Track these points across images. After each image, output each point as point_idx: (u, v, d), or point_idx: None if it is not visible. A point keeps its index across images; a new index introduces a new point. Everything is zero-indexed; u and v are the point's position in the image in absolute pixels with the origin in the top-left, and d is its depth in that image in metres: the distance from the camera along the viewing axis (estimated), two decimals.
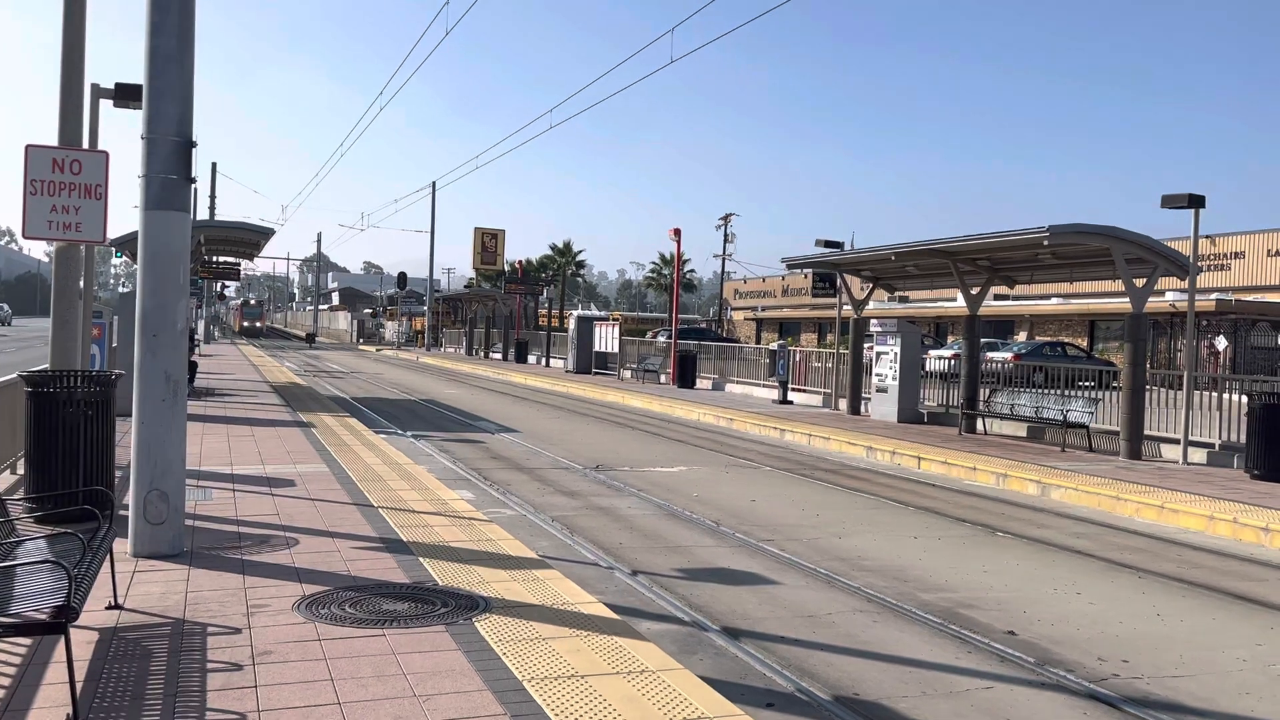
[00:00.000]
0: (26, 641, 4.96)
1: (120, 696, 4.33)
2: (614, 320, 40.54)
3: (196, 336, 40.83)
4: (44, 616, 4.07)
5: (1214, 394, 15.30)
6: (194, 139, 6.93)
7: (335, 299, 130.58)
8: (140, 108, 6.95)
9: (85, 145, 10.54)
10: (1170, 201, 14.65)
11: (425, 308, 67.86)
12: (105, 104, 11.94)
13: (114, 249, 23.94)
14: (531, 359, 45.10)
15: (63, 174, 8.69)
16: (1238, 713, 5.29)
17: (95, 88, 11.66)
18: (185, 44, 6.85)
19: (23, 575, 4.60)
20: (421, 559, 6.91)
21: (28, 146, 8.61)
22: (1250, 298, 36.43)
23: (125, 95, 11.36)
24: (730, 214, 71.48)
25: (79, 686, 4.35)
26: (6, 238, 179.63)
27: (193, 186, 7.12)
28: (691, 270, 79.63)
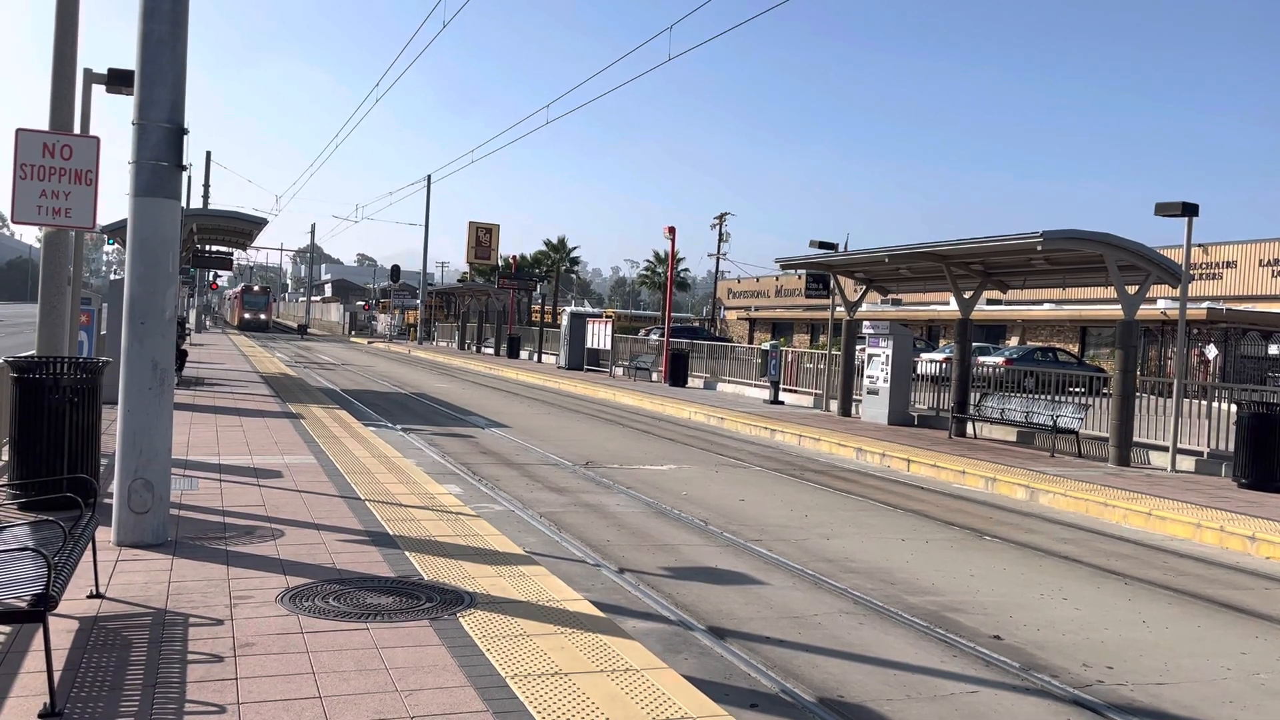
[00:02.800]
0: (5, 629, 4.92)
1: (99, 687, 4.29)
2: (607, 317, 40.48)
3: (187, 325, 40.67)
4: (22, 604, 4.03)
5: (1203, 402, 15.33)
6: (186, 126, 6.88)
7: (328, 290, 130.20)
8: (133, 94, 6.90)
9: (77, 130, 10.48)
10: (1164, 209, 14.68)
11: (418, 301, 67.73)
12: (98, 90, 11.87)
13: (106, 236, 23.81)
14: (524, 354, 45.02)
15: (53, 159, 8.63)
16: None
17: (88, 73, 11.59)
18: (178, 29, 6.79)
19: (2, 562, 4.55)
20: (407, 553, 6.87)
21: (18, 130, 8.55)
22: (1241, 307, 36.54)
23: (118, 81, 11.29)
24: (725, 213, 71.51)
25: (57, 676, 4.30)
26: None
27: (184, 174, 7.07)
28: (685, 269, 79.67)
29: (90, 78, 11.61)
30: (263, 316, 78.76)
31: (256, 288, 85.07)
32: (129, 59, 6.96)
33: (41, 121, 10.13)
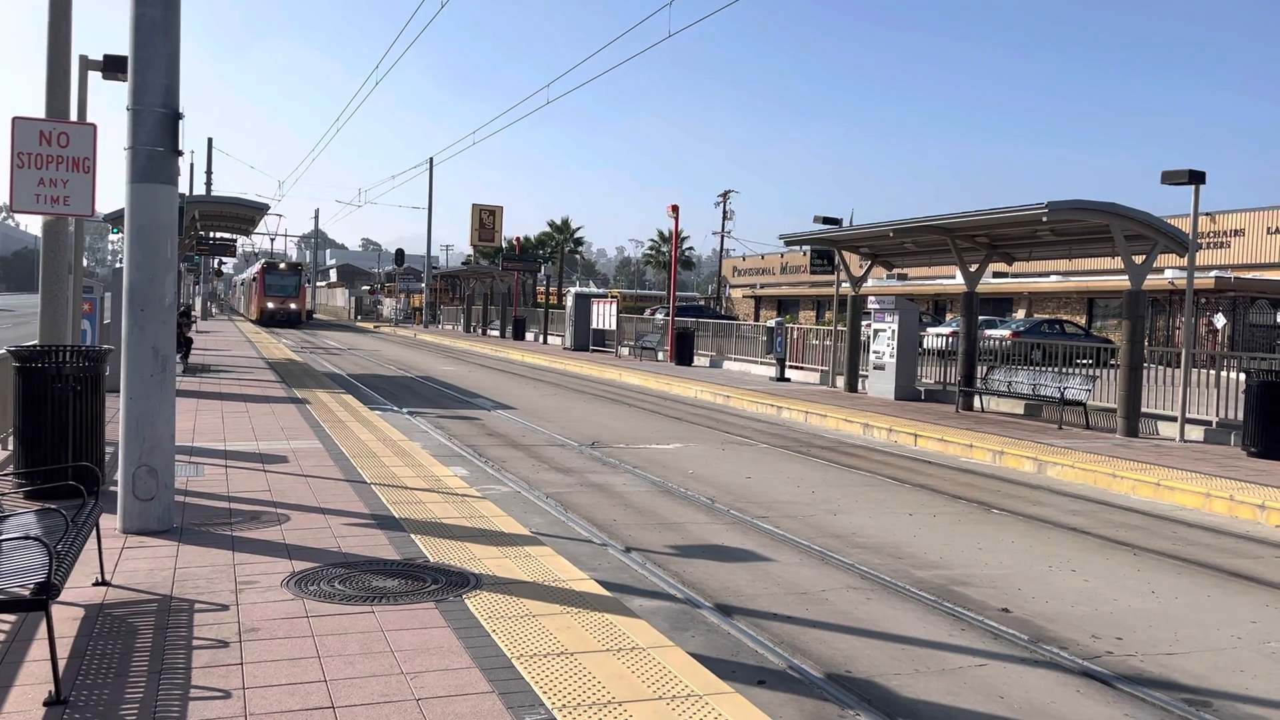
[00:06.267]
0: (11, 618, 4.92)
1: (104, 674, 4.29)
2: (612, 297, 40.41)
3: (194, 313, 40.67)
4: (25, 593, 4.02)
5: (1212, 371, 15.25)
6: (181, 110, 6.82)
7: (333, 276, 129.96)
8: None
9: (74, 117, 10.43)
10: (1170, 177, 14.54)
11: (423, 285, 67.62)
12: (95, 76, 11.81)
13: (110, 225, 23.81)
14: (529, 336, 45.01)
15: (50, 147, 8.59)
16: (1232, 690, 5.27)
17: (84, 59, 11.53)
18: (171, 13, 6.73)
19: (6, 551, 4.54)
20: (413, 535, 6.86)
21: (14, 119, 8.50)
22: (1249, 275, 36.36)
23: (114, 67, 11.21)
24: (729, 191, 71.32)
25: (63, 663, 4.31)
26: (2, 213, 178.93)
27: (180, 159, 7.02)
28: (690, 248, 79.49)
29: (86, 64, 11.54)
30: (293, 306, 56.77)
31: (283, 265, 60.26)
32: (125, 44, 6.91)
33: (38, 109, 10.08)
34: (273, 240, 67.48)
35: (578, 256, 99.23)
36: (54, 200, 8.64)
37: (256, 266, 61.85)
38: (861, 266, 22.56)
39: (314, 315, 79.84)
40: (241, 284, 78.26)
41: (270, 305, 55.63)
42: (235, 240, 44.13)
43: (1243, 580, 7.56)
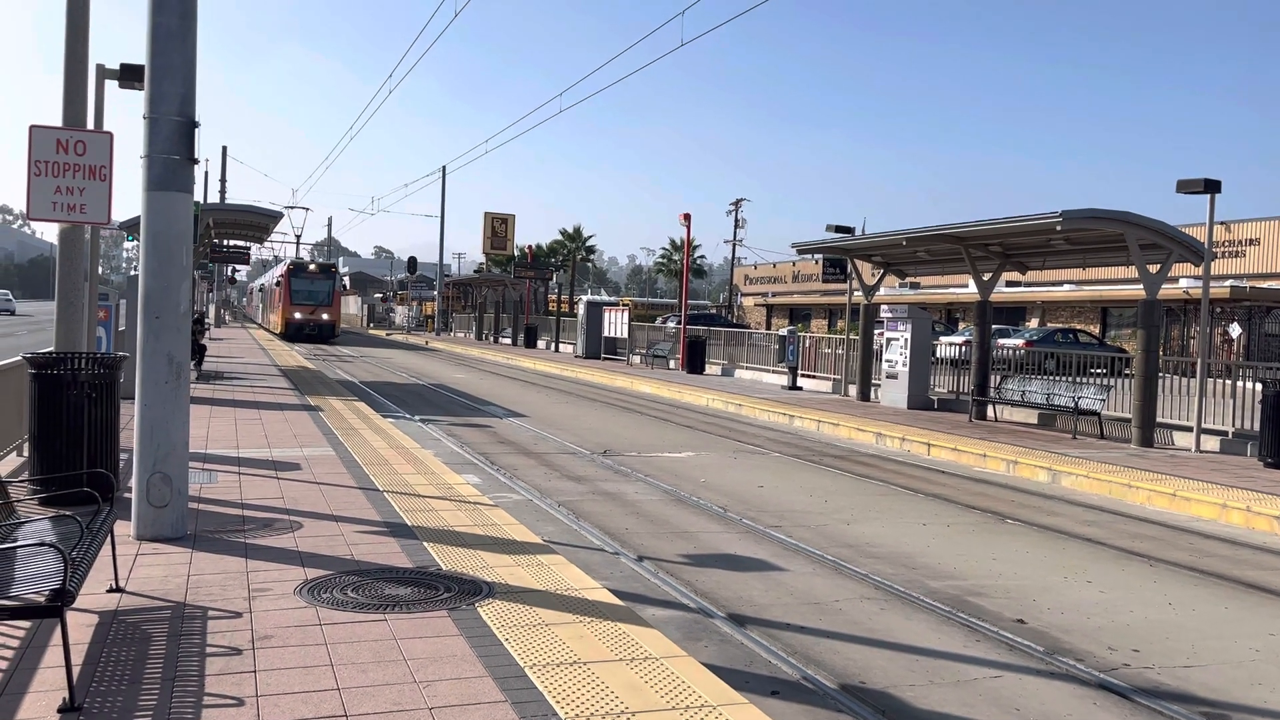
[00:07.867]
0: (25, 624, 4.93)
1: (118, 680, 4.30)
2: (624, 306, 40.43)
3: (207, 320, 40.79)
4: (40, 600, 4.03)
5: (1228, 381, 15.14)
6: (197, 119, 6.86)
7: (346, 283, 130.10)
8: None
9: (90, 126, 10.50)
10: (1186, 186, 14.46)
11: (435, 292, 67.74)
12: (111, 85, 11.88)
13: (127, 233, 23.97)
14: (541, 344, 45.04)
15: (67, 155, 8.62)
16: (1249, 704, 5.21)
17: (100, 68, 11.60)
18: (188, 22, 6.77)
19: (22, 558, 4.56)
20: (425, 543, 6.86)
21: (32, 127, 8.55)
22: (1265, 285, 36.10)
23: (130, 76, 11.28)
24: (741, 199, 71.29)
25: (77, 670, 4.31)
26: (19, 221, 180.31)
27: (196, 167, 7.05)
28: (702, 256, 79.43)
29: (103, 73, 11.61)
30: (325, 316, 46.05)
31: (313, 265, 49.45)
32: (142, 53, 6.96)
33: (55, 118, 10.15)
34: (298, 239, 60.71)
35: (589, 265, 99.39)
36: (70, 208, 8.68)
37: (280, 268, 51.95)
38: (874, 275, 22.52)
39: None
40: (260, 290, 69.72)
41: (298, 315, 45.43)
42: (249, 248, 44.29)
43: (1260, 592, 7.49)
